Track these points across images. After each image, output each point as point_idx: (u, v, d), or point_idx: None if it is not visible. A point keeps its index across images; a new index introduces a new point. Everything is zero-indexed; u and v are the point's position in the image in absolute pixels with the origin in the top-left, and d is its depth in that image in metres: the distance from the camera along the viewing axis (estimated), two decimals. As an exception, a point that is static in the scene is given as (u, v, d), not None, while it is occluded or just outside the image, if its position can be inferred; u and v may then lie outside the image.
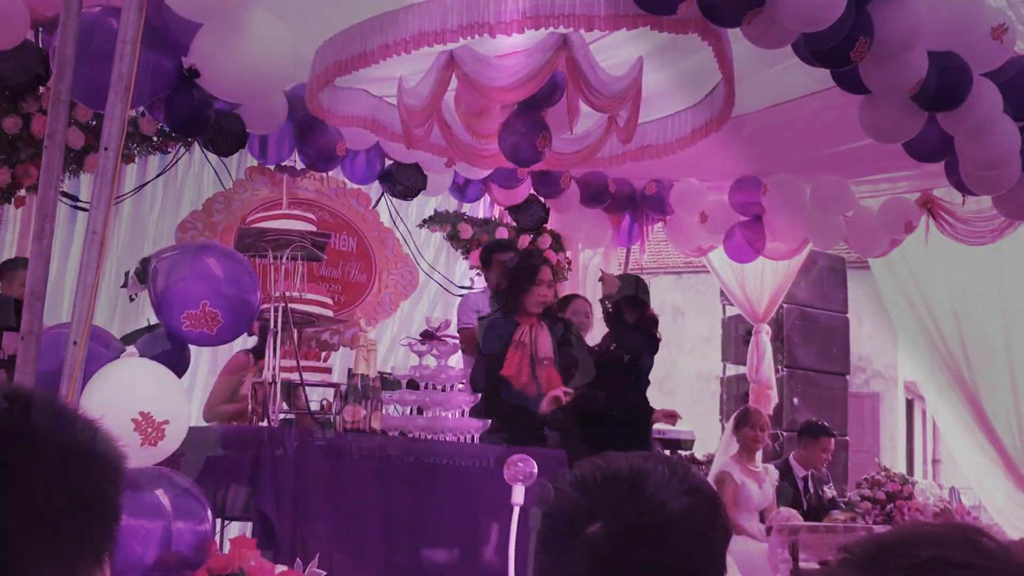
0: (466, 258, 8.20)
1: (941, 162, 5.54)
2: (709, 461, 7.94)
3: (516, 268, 6.11)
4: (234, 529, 5.09)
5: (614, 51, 5.40)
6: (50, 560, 1.05)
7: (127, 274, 4.32)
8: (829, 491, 7.72)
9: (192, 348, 4.37)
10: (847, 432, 10.33)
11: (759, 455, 7.28)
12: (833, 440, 7.97)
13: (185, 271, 4.15)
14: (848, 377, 10.62)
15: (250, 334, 5.93)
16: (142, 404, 3.75)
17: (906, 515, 7.17)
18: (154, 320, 4.42)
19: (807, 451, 7.80)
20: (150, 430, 3.74)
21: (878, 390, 14.52)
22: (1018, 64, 5.06)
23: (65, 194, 6.50)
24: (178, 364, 4.14)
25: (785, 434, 9.36)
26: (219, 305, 4.05)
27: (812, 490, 7.69)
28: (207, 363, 6.94)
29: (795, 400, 9.80)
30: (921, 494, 7.17)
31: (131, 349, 3.92)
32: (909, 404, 14.87)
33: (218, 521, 4.63)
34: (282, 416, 4.95)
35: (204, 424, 5.97)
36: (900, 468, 9.05)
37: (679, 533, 1.47)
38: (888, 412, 14.69)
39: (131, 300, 4.46)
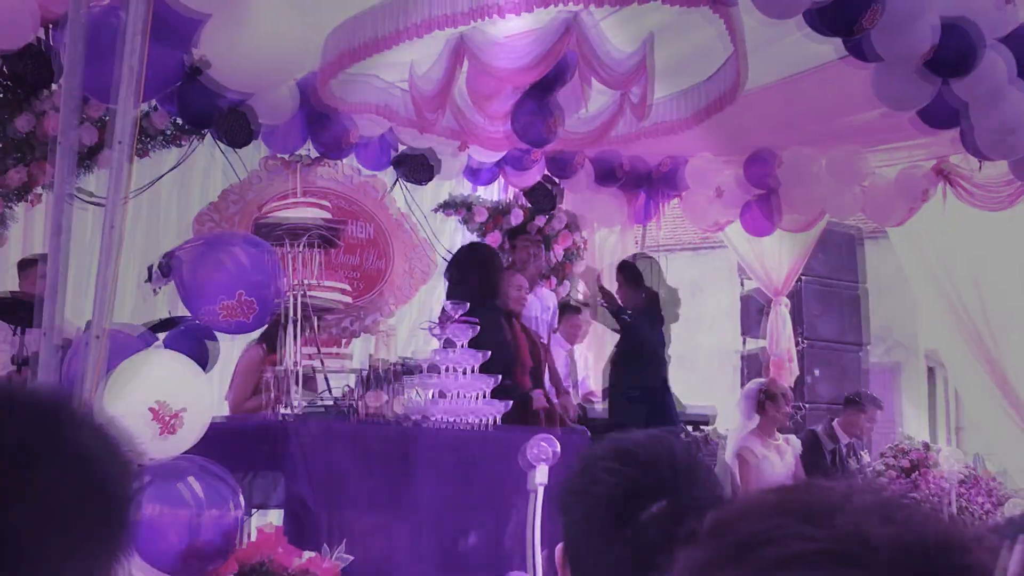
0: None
1: (955, 129, 5.51)
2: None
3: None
4: (258, 518, 5.12)
5: (624, 28, 5.38)
6: (68, 563, 1.06)
7: (150, 268, 4.32)
8: (866, 456, 7.78)
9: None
10: (868, 403, 10.29)
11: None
12: (879, 412, 8.06)
13: (215, 262, 4.17)
14: (868, 348, 10.59)
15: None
16: (157, 393, 3.76)
17: (931, 482, 7.15)
18: (174, 313, 4.44)
19: (852, 419, 7.87)
20: (167, 418, 3.75)
21: (899, 360, 14.43)
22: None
23: (80, 189, 6.51)
24: (201, 356, 4.16)
25: (807, 407, 9.34)
26: (253, 293, 4.09)
27: (840, 458, 7.71)
28: (222, 353, 6.96)
29: (816, 372, 9.78)
30: (945, 460, 7.14)
31: (158, 342, 3.95)
32: (931, 372, 14.78)
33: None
34: (303, 404, 4.96)
35: (225, 416, 6.00)
36: (923, 437, 9.00)
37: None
38: (909, 382, 14.61)
39: (155, 294, 4.46)
